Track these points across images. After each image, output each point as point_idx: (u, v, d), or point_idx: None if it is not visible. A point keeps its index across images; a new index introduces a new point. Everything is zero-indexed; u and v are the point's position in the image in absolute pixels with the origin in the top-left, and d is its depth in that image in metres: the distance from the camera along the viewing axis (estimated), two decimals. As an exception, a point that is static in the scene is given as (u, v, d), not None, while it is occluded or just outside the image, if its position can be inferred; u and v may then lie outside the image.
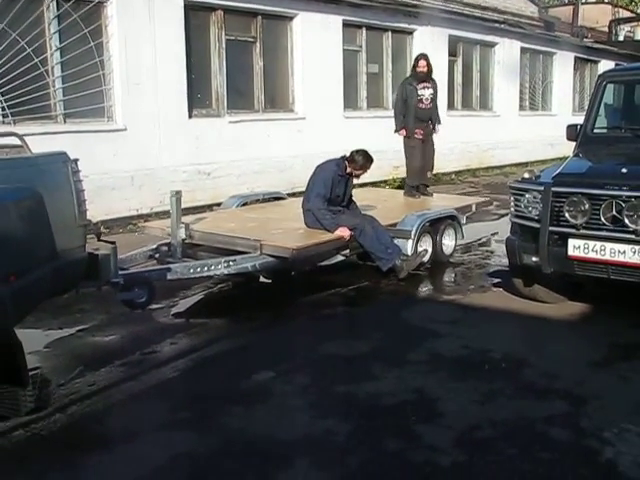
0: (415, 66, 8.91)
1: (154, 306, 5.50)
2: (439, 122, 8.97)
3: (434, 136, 8.93)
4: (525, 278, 5.70)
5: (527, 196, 5.35)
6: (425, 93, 8.75)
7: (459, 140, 14.47)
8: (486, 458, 3.34)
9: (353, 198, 6.85)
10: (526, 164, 15.67)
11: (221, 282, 6.39)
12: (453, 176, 14.52)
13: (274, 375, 4.31)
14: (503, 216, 9.21)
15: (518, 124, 16.70)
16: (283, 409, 3.86)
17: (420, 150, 8.76)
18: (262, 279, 6.07)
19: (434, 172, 9.46)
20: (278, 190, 8.72)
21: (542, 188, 5.20)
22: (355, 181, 6.75)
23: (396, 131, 8.86)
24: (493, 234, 8.76)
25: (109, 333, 5.13)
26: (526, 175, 5.52)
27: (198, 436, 3.56)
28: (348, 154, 6.52)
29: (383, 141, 9.93)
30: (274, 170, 10.89)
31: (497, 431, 3.59)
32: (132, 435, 3.56)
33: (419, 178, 8.80)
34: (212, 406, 3.89)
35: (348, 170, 6.49)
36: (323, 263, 6.28)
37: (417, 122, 8.71)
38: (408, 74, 9.45)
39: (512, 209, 5.54)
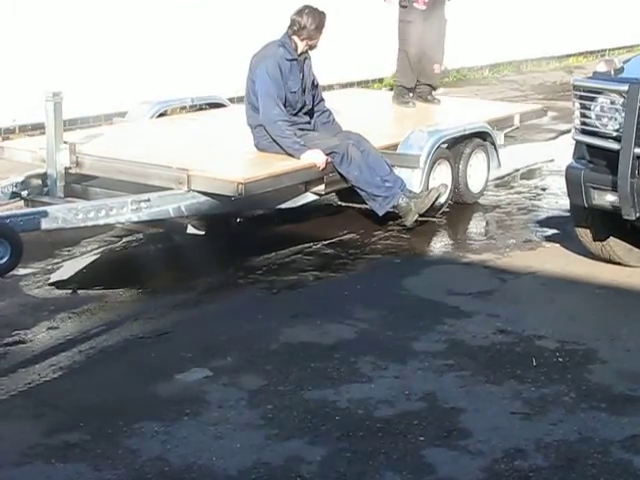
0: None
1: (21, 271, 5.50)
2: None
3: (446, 8, 8.80)
4: (596, 228, 5.74)
5: (601, 101, 5.37)
6: None
7: (494, 15, 14.34)
8: (532, 499, 3.40)
9: (326, 104, 6.82)
10: (603, 52, 15.64)
11: (127, 234, 6.39)
12: (486, 73, 14.51)
13: (210, 374, 4.34)
14: (563, 133, 9.31)
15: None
16: (224, 426, 3.87)
17: (421, 28, 8.66)
18: (191, 229, 6.06)
19: (453, 67, 9.34)
20: (215, 94, 8.64)
21: (626, 88, 5.21)
22: (321, 74, 6.62)
23: None
24: (547, 162, 8.80)
25: (-50, 313, 5.12)
26: (601, 68, 5.52)
27: (91, 471, 3.54)
28: (289, 24, 6.39)
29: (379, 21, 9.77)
30: (211, 61, 10.72)
31: (549, 459, 3.63)
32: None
33: (415, 74, 8.72)
34: (113, 423, 3.88)
35: (301, 48, 6.44)
36: (285, 205, 6.30)
37: None
38: None
39: (577, 122, 5.55)
